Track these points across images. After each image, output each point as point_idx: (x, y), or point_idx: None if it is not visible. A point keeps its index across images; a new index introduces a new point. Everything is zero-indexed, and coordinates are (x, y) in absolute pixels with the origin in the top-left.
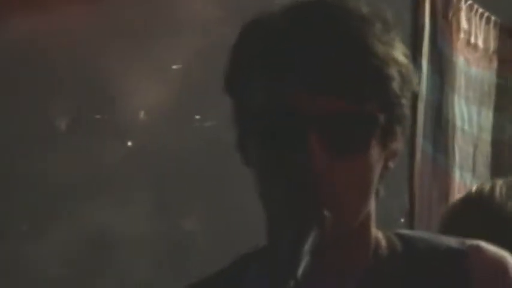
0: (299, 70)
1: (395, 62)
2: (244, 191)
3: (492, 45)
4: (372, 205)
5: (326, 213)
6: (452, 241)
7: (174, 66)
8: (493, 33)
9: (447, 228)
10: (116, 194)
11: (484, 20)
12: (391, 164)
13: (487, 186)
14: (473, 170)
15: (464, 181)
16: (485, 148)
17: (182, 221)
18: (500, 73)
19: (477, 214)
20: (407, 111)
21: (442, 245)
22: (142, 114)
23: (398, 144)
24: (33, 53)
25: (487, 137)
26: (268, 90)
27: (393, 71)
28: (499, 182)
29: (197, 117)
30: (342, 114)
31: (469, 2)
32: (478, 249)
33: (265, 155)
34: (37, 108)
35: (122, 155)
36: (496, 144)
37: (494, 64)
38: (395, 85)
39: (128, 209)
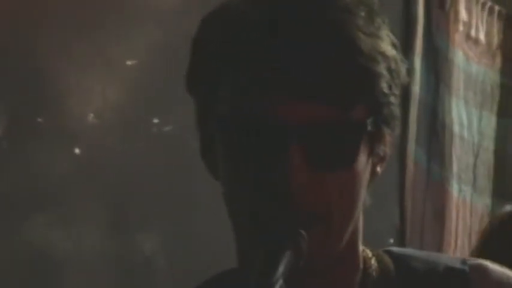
0: (274, 70)
1: (383, 56)
2: (211, 206)
3: (496, 39)
4: (360, 219)
5: (302, 231)
6: (451, 260)
7: (128, 62)
8: (496, 26)
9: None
10: (62, 209)
11: (486, 10)
12: (378, 170)
13: None
14: (474, 183)
15: (463, 196)
16: (487, 158)
17: (139, 241)
18: (505, 71)
19: None
20: (396, 110)
21: (440, 264)
22: (91, 117)
23: (387, 148)
24: None
25: (489, 145)
26: (238, 92)
27: (381, 68)
28: None
29: (155, 120)
30: (326, 121)
31: None
32: (482, 269)
33: (235, 166)
34: None
35: (68, 164)
36: (500, 153)
37: (498, 61)
38: (384, 83)
39: (76, 227)
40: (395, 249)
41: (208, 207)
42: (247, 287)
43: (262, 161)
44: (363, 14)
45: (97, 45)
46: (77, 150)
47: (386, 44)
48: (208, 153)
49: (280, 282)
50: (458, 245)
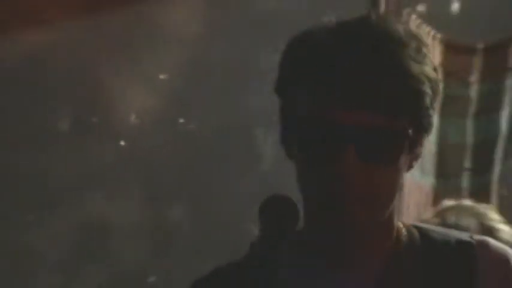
0: (343, 86)
1: (428, 78)
2: (223, 184)
3: (437, 58)
4: (396, 200)
5: (357, 209)
6: (461, 234)
7: (161, 76)
8: (438, 49)
9: None
10: (111, 187)
11: (430, 37)
12: (414, 164)
13: (447, 215)
14: (422, 168)
15: (413, 177)
16: (432, 147)
17: (169, 211)
18: (444, 83)
19: None
20: (433, 119)
21: (454, 237)
22: (133, 117)
23: (422, 148)
24: (40, 63)
25: (432, 138)
26: (316, 101)
27: (426, 87)
28: (453, 211)
29: (181, 120)
30: (378, 128)
31: (417, 22)
32: (485, 243)
33: (305, 158)
34: (42, 112)
35: (115, 152)
36: (440, 145)
37: (440, 76)
38: (428, 100)
39: (120, 201)
40: (419, 224)
41: (222, 186)
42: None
43: (328, 155)
44: (414, 45)
45: (138, 63)
46: (122, 143)
47: (430, 69)
48: (286, 140)
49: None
50: (410, 215)
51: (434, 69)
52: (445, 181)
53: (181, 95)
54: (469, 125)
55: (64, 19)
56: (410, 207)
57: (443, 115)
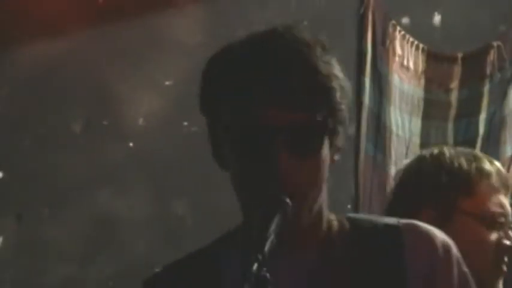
0: (264, 91)
1: (336, 77)
2: (222, 181)
3: (420, 66)
4: (325, 193)
5: (287, 200)
6: (389, 219)
7: (167, 82)
8: (421, 58)
9: (404, 182)
10: (120, 184)
11: (414, 47)
12: (336, 158)
13: (435, 150)
14: None
15: None
16: (415, 149)
17: (173, 206)
18: (426, 89)
19: (431, 168)
20: (346, 114)
21: (381, 223)
22: (141, 120)
23: (341, 141)
24: (56, 72)
25: (416, 140)
26: (242, 108)
27: (335, 84)
28: (446, 147)
29: (185, 123)
30: (300, 122)
31: (402, 33)
32: (411, 225)
33: (241, 157)
34: (57, 115)
35: (124, 153)
36: (423, 146)
37: (422, 82)
38: (338, 95)
39: (129, 197)
40: (351, 214)
41: (221, 183)
42: (249, 242)
43: (257, 154)
44: (319, 49)
45: (145, 71)
46: (130, 144)
47: (337, 70)
48: (218, 153)
49: (272, 236)
50: None
51: (340, 71)
52: None
53: (185, 100)
54: (450, 127)
55: (76, 31)
56: None
57: (425, 119)
